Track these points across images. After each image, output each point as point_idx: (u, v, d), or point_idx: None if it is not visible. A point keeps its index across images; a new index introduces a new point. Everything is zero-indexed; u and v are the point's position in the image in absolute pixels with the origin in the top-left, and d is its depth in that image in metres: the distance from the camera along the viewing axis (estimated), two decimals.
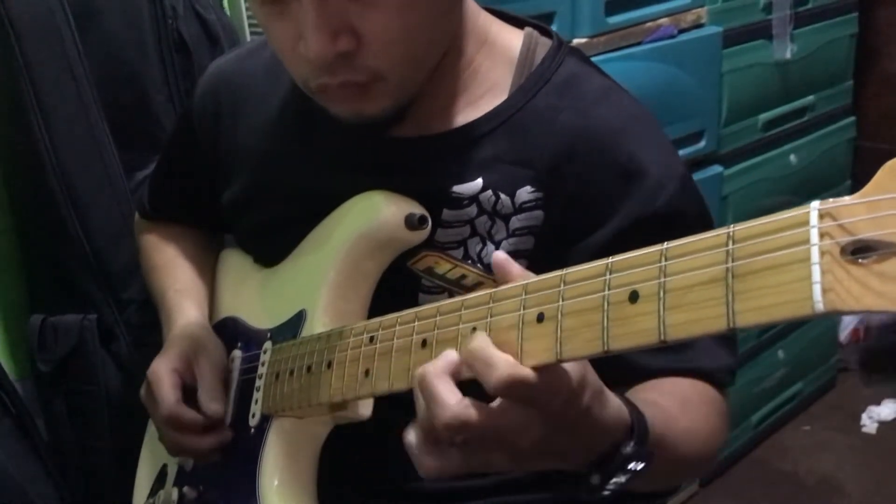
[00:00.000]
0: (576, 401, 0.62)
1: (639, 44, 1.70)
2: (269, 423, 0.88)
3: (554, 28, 1.53)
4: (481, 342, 0.62)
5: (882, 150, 2.38)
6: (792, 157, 2.14)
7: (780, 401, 2.33)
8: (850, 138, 2.32)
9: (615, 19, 1.65)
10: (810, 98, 2.17)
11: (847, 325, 2.55)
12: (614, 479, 0.66)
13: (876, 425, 2.35)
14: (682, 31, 1.79)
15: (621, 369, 0.81)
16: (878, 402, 2.41)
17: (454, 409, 0.61)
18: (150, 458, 1.05)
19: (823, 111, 2.22)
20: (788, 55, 2.02)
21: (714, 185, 1.93)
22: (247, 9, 1.59)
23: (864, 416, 2.38)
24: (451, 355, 0.64)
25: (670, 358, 0.83)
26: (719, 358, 0.86)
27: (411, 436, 0.66)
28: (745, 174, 2.02)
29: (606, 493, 0.67)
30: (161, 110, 1.39)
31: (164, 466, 1.02)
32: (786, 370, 2.30)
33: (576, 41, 1.58)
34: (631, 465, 0.66)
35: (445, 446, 0.64)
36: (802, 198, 2.20)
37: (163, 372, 0.93)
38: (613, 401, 0.66)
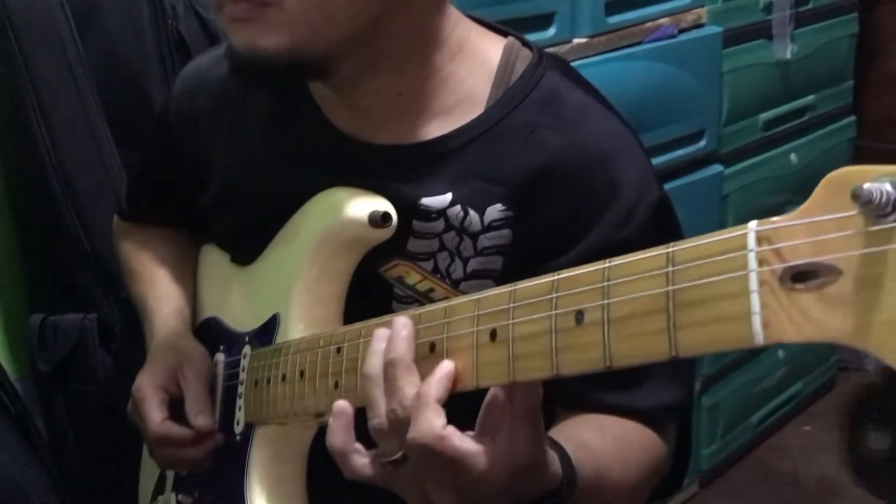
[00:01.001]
0: (508, 477, 0.63)
1: (639, 44, 1.70)
2: (252, 430, 0.88)
3: (554, 28, 1.55)
4: (423, 393, 0.62)
5: (882, 150, 2.39)
6: (792, 157, 2.15)
7: (780, 401, 2.33)
8: (850, 138, 2.32)
9: (615, 19, 1.65)
10: (810, 98, 2.17)
11: None
12: None
13: None
14: (682, 31, 1.79)
15: (568, 396, 0.82)
16: None
17: (412, 401, 0.63)
18: (151, 464, 1.05)
19: (823, 111, 2.22)
20: (788, 55, 2.03)
21: (714, 184, 1.93)
22: None
23: None
24: (409, 341, 0.66)
25: (617, 395, 0.82)
26: (667, 394, 0.84)
27: (339, 436, 0.68)
28: (746, 174, 2.02)
29: None
30: None
31: (164, 472, 1.02)
32: (786, 370, 2.30)
33: (576, 41, 1.58)
34: None
35: (377, 456, 0.66)
36: (803, 197, 2.19)
37: (147, 389, 0.92)
38: (553, 465, 0.67)
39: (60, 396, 1.41)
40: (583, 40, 1.60)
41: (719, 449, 2.17)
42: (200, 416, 0.90)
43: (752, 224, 0.46)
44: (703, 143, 1.88)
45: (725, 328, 0.46)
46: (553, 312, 0.56)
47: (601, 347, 0.53)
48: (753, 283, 0.45)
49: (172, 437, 0.91)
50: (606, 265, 0.54)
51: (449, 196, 0.83)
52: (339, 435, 0.68)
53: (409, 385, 0.64)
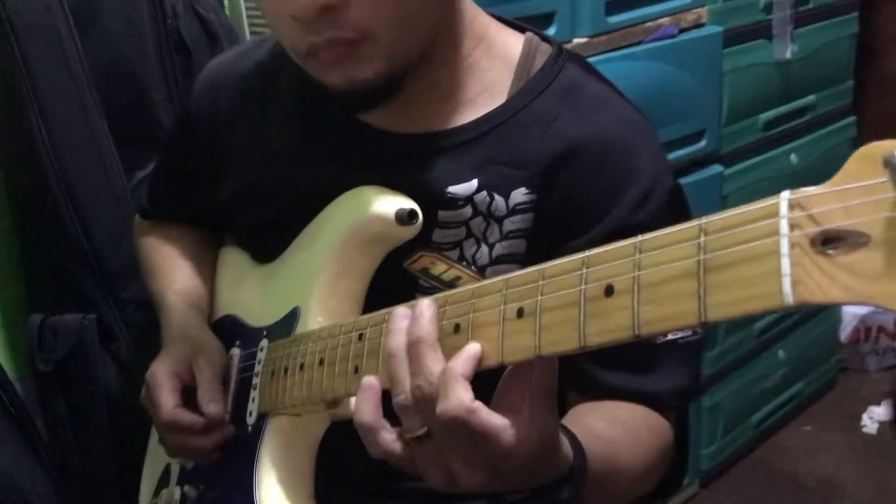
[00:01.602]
0: (532, 454, 0.63)
1: (639, 43, 1.70)
2: (265, 421, 0.88)
3: (554, 28, 1.55)
4: (450, 368, 0.62)
5: None
6: (792, 157, 2.14)
7: (781, 401, 2.33)
8: (851, 138, 2.32)
9: (615, 19, 1.65)
10: (811, 98, 2.17)
11: (847, 325, 2.56)
12: None
13: (876, 425, 2.35)
14: (682, 31, 1.79)
15: (579, 379, 0.83)
16: (878, 403, 2.41)
17: (436, 378, 0.63)
18: (155, 458, 1.05)
19: (824, 111, 2.22)
20: (789, 55, 2.02)
21: (714, 184, 1.93)
22: (247, 8, 1.59)
23: (864, 416, 2.38)
24: (432, 326, 0.65)
25: (626, 378, 0.83)
26: (675, 379, 0.86)
27: (369, 410, 0.67)
28: (746, 174, 2.02)
29: None
30: (161, 110, 1.39)
31: (168, 466, 1.02)
32: (786, 370, 2.30)
33: (576, 41, 1.59)
34: None
35: (401, 433, 0.66)
36: None
37: (161, 376, 0.93)
38: (564, 448, 0.67)
39: (60, 396, 1.41)
40: (583, 40, 1.60)
41: (719, 449, 2.17)
42: (212, 404, 0.91)
43: (785, 193, 0.47)
44: (703, 143, 1.88)
45: (755, 290, 0.47)
46: (583, 287, 0.57)
47: (630, 314, 0.53)
48: (784, 247, 0.46)
49: (183, 423, 0.91)
50: (638, 240, 0.54)
51: (475, 182, 0.84)
52: (369, 410, 0.68)
53: (434, 362, 0.64)
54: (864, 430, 2.35)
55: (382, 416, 0.68)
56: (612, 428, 0.79)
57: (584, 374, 0.83)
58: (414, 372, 0.65)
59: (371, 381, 0.68)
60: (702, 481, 2.16)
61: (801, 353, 2.33)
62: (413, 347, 0.65)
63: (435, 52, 0.84)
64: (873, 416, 2.37)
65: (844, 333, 2.55)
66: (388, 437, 0.67)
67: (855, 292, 0.44)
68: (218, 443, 0.92)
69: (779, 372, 2.28)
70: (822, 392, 2.47)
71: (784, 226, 0.46)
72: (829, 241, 0.45)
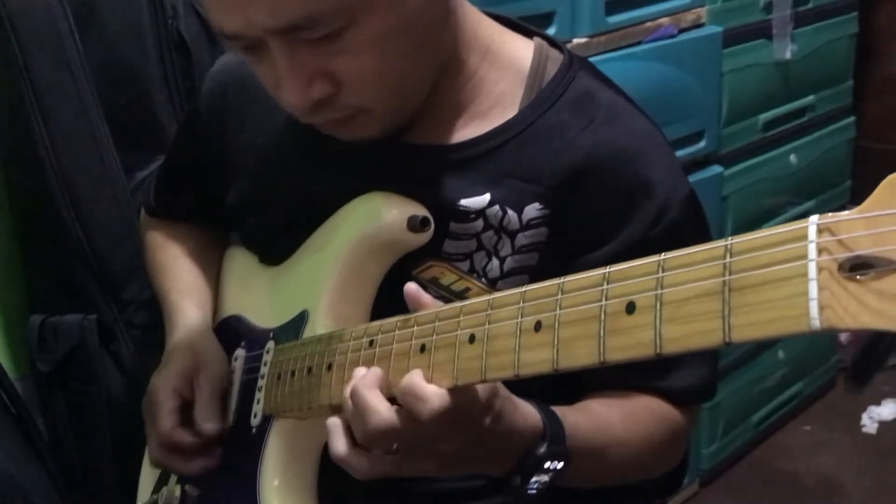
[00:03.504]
0: (489, 410, 0.68)
1: (639, 43, 1.70)
2: (270, 423, 0.88)
3: (554, 28, 1.55)
4: (413, 378, 0.68)
5: (882, 150, 2.39)
6: (792, 158, 2.14)
7: (781, 401, 2.33)
8: (850, 138, 2.32)
9: (615, 19, 1.65)
10: (810, 98, 2.17)
11: None
12: (534, 479, 0.71)
13: (876, 425, 2.35)
14: (682, 31, 1.79)
15: (586, 379, 0.83)
16: (878, 402, 2.41)
17: (384, 415, 0.68)
18: None
19: (823, 111, 2.22)
20: (788, 55, 2.02)
21: (714, 185, 1.93)
22: None
23: (864, 416, 2.38)
24: (376, 371, 0.72)
25: (637, 373, 0.84)
26: (691, 376, 0.86)
27: (340, 444, 0.73)
28: (745, 174, 2.02)
29: (532, 492, 0.71)
30: (161, 110, 1.39)
31: None
32: (786, 370, 2.30)
33: (576, 41, 1.59)
34: (548, 465, 0.71)
35: (378, 454, 0.71)
36: (803, 198, 2.20)
37: (162, 392, 0.93)
38: (525, 407, 0.71)
39: (60, 396, 1.41)
40: (583, 40, 1.60)
41: (719, 449, 2.17)
42: (208, 423, 0.92)
43: (814, 217, 0.47)
44: (702, 143, 1.88)
45: (781, 312, 0.47)
46: (603, 302, 0.56)
47: (652, 332, 0.53)
48: (812, 271, 0.46)
49: (177, 444, 0.92)
50: (661, 258, 0.54)
51: (487, 196, 0.84)
52: (339, 443, 0.73)
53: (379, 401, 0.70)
54: (864, 430, 2.35)
55: (353, 444, 0.73)
56: (607, 406, 0.81)
57: (591, 374, 0.83)
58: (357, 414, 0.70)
59: (333, 422, 0.74)
60: (701, 480, 2.16)
61: (801, 353, 2.33)
62: (353, 396, 0.71)
63: (442, 76, 0.84)
64: (873, 416, 2.37)
65: (844, 334, 2.55)
66: (363, 461, 0.72)
67: (887, 316, 0.44)
68: (202, 469, 0.93)
69: (779, 372, 2.28)
70: (822, 392, 2.47)
71: (812, 250, 0.46)
72: (856, 268, 0.45)
